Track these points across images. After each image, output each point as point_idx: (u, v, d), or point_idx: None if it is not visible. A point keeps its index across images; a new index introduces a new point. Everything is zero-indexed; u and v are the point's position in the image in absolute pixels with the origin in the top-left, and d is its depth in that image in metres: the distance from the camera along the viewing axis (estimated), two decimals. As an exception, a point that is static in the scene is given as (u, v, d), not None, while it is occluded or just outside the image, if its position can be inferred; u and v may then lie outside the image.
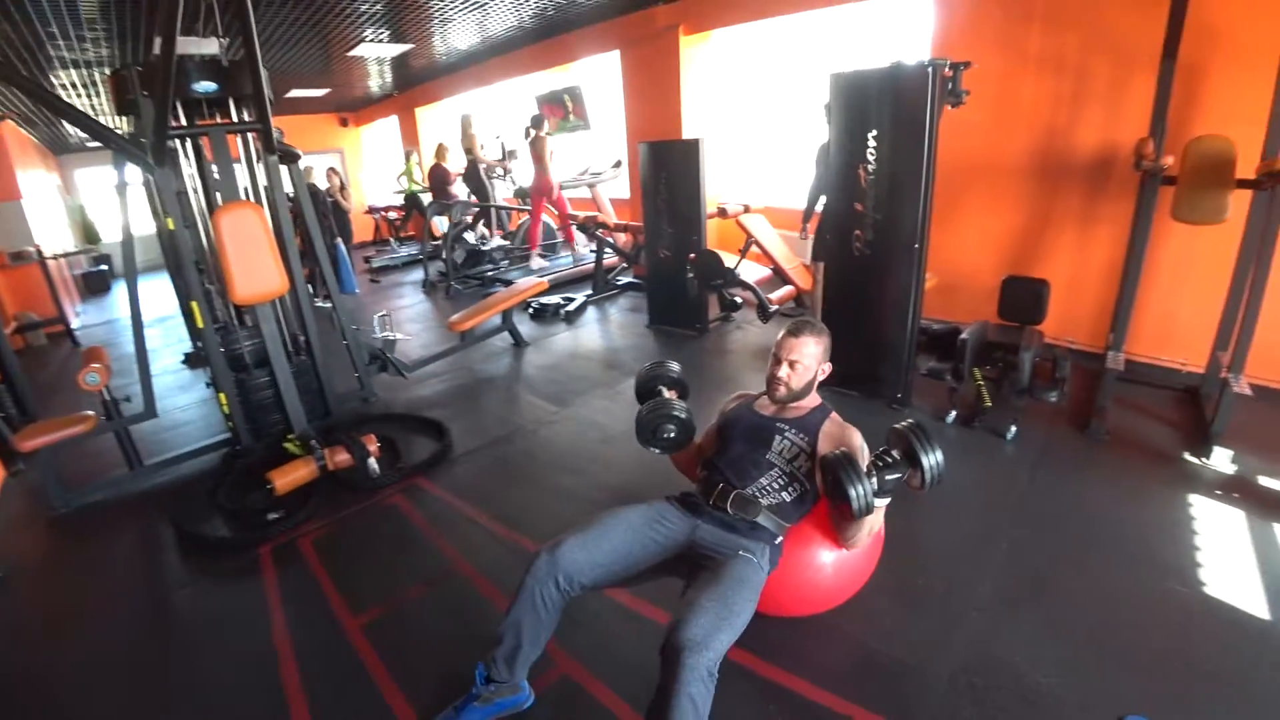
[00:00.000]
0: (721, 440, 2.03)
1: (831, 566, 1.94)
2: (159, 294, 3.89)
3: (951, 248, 4.39)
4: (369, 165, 13.02)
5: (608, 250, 5.92)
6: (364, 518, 2.82)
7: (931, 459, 1.63)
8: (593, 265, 6.16)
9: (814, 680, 1.85)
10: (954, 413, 3.47)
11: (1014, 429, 3.22)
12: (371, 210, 11.14)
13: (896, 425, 1.72)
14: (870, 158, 3.29)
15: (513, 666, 1.71)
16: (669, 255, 4.75)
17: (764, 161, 6.21)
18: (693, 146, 4.40)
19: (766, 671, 1.90)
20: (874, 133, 3.24)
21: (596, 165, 6.58)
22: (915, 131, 3.12)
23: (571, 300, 5.47)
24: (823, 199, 4.00)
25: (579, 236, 6.79)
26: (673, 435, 1.99)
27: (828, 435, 1.93)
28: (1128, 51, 3.51)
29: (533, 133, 6.42)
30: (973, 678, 1.83)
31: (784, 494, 1.86)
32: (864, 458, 1.92)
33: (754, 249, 4.93)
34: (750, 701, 1.80)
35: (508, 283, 6.10)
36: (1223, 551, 2.34)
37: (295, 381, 3.14)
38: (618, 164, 6.27)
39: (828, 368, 2.02)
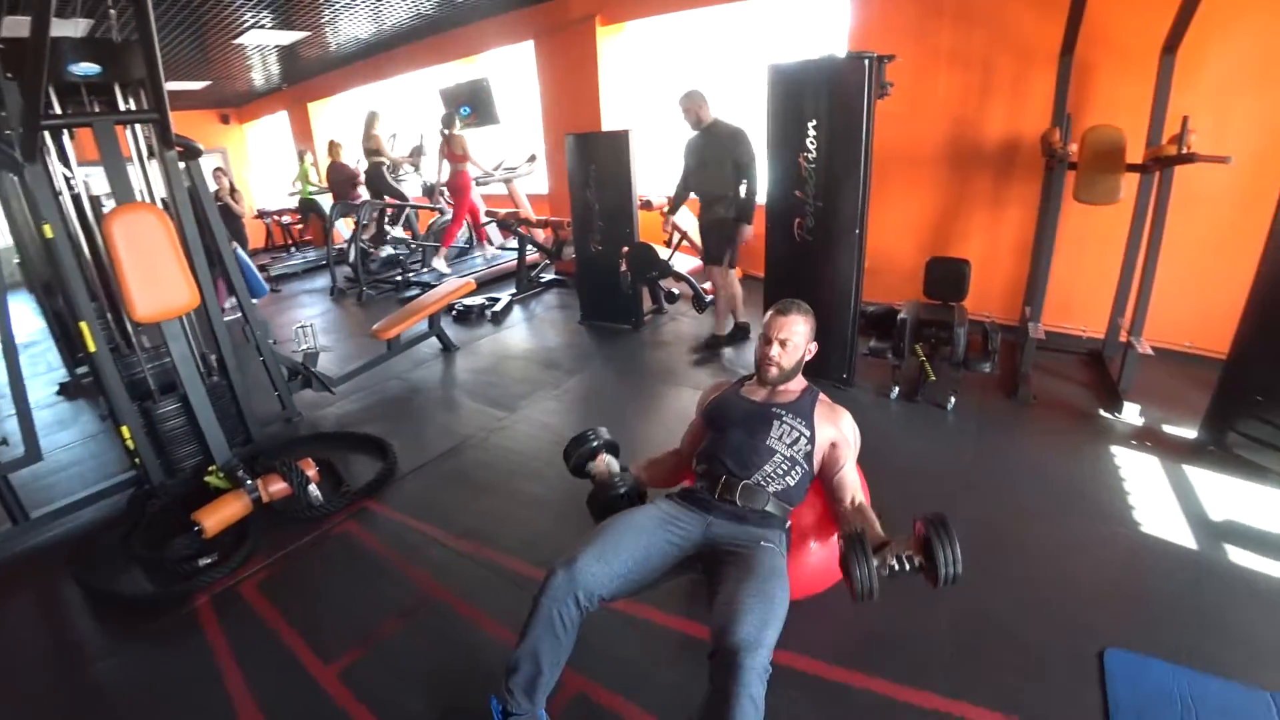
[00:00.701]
0: (715, 430, 2.03)
1: (825, 549, 2.01)
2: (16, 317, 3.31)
3: (874, 232, 4.66)
4: (257, 166, 11.97)
5: (530, 247, 5.79)
6: (314, 551, 2.59)
7: (946, 561, 1.57)
8: (510, 264, 6.01)
9: (828, 659, 1.91)
10: (896, 389, 3.71)
11: (953, 400, 3.50)
12: (262, 215, 10.25)
13: (923, 517, 1.65)
14: (810, 146, 3.44)
15: (533, 696, 1.61)
16: (600, 249, 4.73)
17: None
18: (622, 138, 4.40)
19: (779, 658, 1.94)
20: (813, 122, 3.39)
21: (511, 160, 6.39)
22: (853, 121, 3.29)
23: (496, 300, 5.30)
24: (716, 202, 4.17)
25: (494, 235, 6.58)
26: (625, 501, 2.07)
27: (822, 418, 1.99)
28: (1029, 49, 3.91)
29: (446, 130, 6.15)
30: (967, 636, 1.98)
31: (788, 479, 1.89)
32: (856, 439, 2.02)
33: (685, 241, 5.03)
34: (772, 690, 1.84)
35: (424, 285, 5.82)
36: (1147, 494, 2.68)
37: (212, 406, 2.81)
38: (532, 158, 6.13)
39: (814, 347, 2.08)
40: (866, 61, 3.17)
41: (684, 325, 5.02)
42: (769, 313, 2.04)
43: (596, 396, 3.93)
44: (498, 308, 5.15)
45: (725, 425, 2.00)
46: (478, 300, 5.25)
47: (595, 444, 2.18)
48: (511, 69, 6.93)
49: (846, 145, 3.36)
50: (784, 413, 1.97)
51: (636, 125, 4.64)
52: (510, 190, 6.32)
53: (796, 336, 2.00)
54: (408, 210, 6.80)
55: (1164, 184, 3.21)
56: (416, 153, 6.82)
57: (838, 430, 1.99)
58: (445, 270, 5.97)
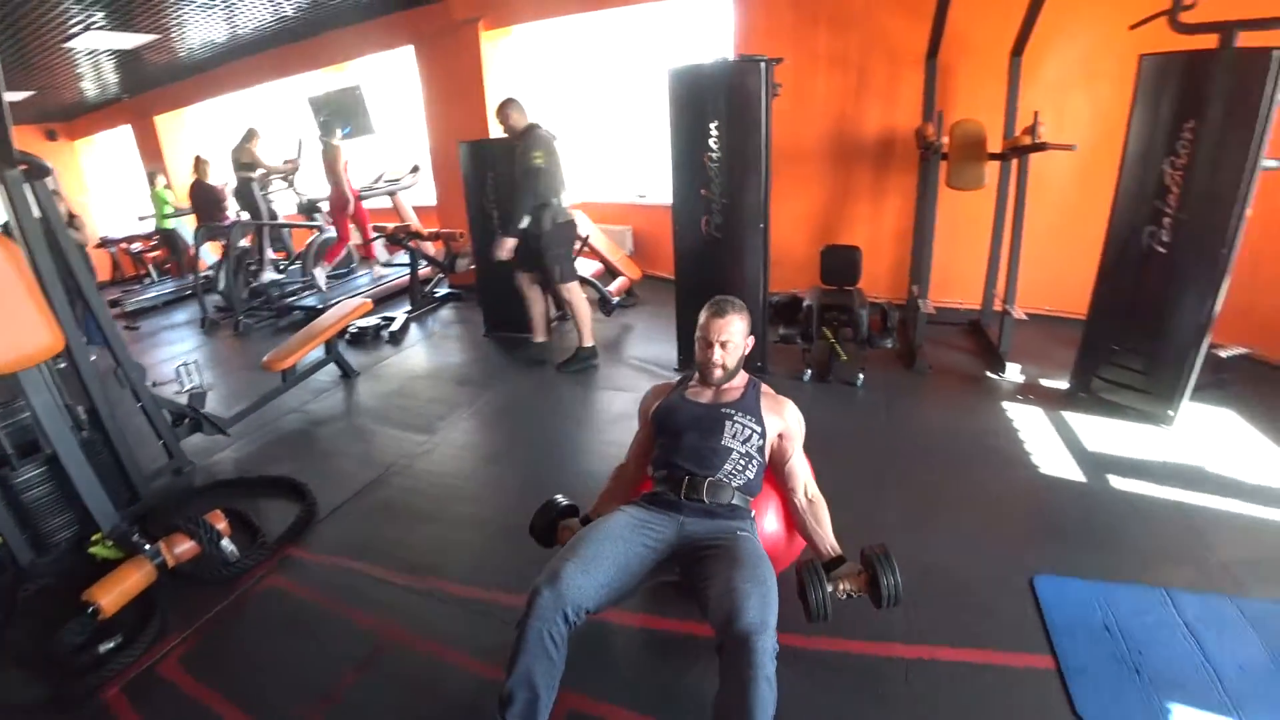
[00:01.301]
0: (668, 436, 2.06)
1: (787, 530, 2.13)
2: None
3: (772, 225, 5.00)
4: (95, 188, 10.39)
5: (422, 261, 5.55)
6: (239, 613, 2.34)
7: (889, 585, 1.80)
8: (401, 280, 5.74)
9: (801, 632, 1.93)
10: (809, 371, 3.99)
11: (861, 376, 3.82)
12: (106, 243, 8.93)
13: (866, 550, 1.87)
14: (714, 146, 3.62)
15: None
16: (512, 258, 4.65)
17: (576, 158, 6.30)
18: (519, 144, 4.36)
19: None
20: (715, 123, 3.57)
21: (392, 171, 6.08)
22: (752, 120, 3.52)
23: (392, 320, 5.04)
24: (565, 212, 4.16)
25: (380, 252, 6.23)
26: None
27: (769, 411, 2.07)
28: (899, 52, 4.39)
29: (324, 141, 5.74)
30: (917, 587, 2.13)
31: (747, 473, 1.96)
32: (801, 427, 2.12)
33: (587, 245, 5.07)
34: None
35: (308, 310, 5.41)
36: (1038, 439, 3.12)
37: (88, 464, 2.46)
38: (415, 169, 5.88)
39: (751, 341, 2.13)
40: (762, 65, 3.40)
41: (594, 328, 5.06)
42: (704, 315, 2.07)
43: (518, 409, 3.88)
44: (394, 327, 4.90)
45: (678, 430, 2.04)
46: (371, 321, 4.96)
47: (557, 511, 2.15)
48: (388, 76, 6.63)
49: (747, 143, 3.57)
50: (734, 412, 2.03)
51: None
52: (395, 203, 6.01)
53: (736, 336, 2.04)
54: (281, 229, 6.25)
55: (1022, 170, 3.74)
56: (292, 164, 6.27)
57: (783, 421, 2.08)
58: (323, 286, 5.57)
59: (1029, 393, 3.62)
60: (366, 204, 6.09)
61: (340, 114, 5.94)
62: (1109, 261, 3.23)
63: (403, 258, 5.95)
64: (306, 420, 3.76)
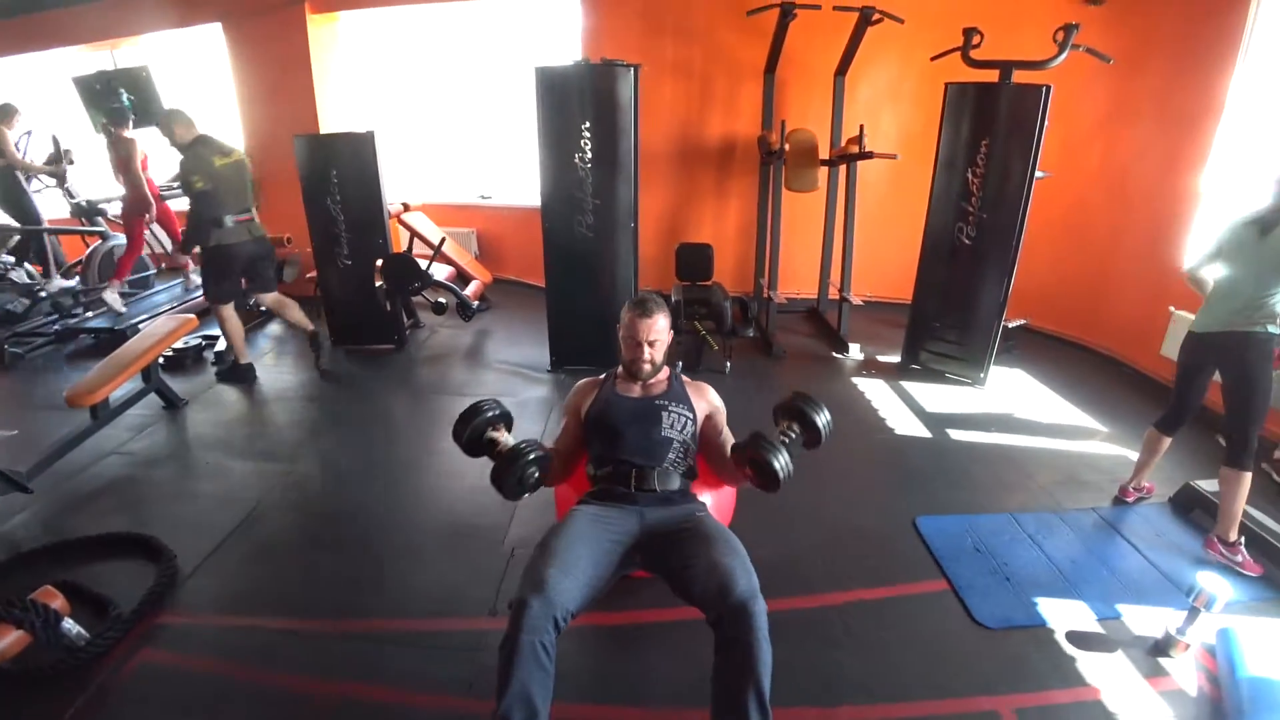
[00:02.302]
0: (605, 431, 2.11)
1: (726, 506, 2.34)
2: None
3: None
4: None
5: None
6: (105, 706, 1.92)
7: (823, 418, 1.93)
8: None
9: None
10: (680, 363, 4.25)
11: (729, 364, 4.20)
12: None
13: (782, 401, 1.99)
14: (585, 147, 3.72)
15: None
16: (350, 264, 4.30)
17: (416, 156, 6.01)
18: (366, 141, 4.08)
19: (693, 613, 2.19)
20: (586, 124, 3.68)
21: None
22: (624, 122, 3.69)
23: (214, 339, 4.36)
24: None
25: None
26: (537, 477, 1.91)
27: (695, 396, 2.23)
28: (739, 66, 4.86)
29: (113, 131, 4.74)
30: (826, 545, 2.54)
31: (688, 459, 2.12)
32: (722, 406, 2.30)
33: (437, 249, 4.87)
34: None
35: (99, 332, 4.45)
36: (886, 406, 3.74)
37: None
38: None
39: (671, 334, 2.24)
40: (632, 70, 3.58)
41: (449, 336, 4.89)
42: (628, 315, 2.13)
43: (386, 424, 3.66)
44: (220, 346, 4.25)
45: (617, 426, 2.09)
46: (191, 341, 4.25)
47: (492, 413, 1.96)
48: (186, 56, 5.64)
49: (619, 145, 3.75)
50: (668, 402, 2.13)
51: (365, 126, 4.30)
52: None
53: (662, 334, 2.14)
54: (46, 236, 4.94)
55: (850, 175, 4.38)
56: (64, 158, 4.91)
57: (708, 403, 2.24)
58: (120, 308, 4.60)
59: (870, 368, 4.30)
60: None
61: (120, 99, 4.91)
62: (927, 253, 3.97)
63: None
64: (132, 463, 3.14)
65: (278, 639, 2.12)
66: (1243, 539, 2.45)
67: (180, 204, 5.42)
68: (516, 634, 1.53)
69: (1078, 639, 2.11)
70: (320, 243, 4.26)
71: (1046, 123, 3.39)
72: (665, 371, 2.25)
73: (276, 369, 4.30)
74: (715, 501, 2.23)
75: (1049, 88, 3.36)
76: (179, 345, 4.11)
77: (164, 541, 2.48)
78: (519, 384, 4.06)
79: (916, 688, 1.93)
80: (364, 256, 4.31)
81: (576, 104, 3.68)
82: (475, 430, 1.94)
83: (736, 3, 4.64)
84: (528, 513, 2.70)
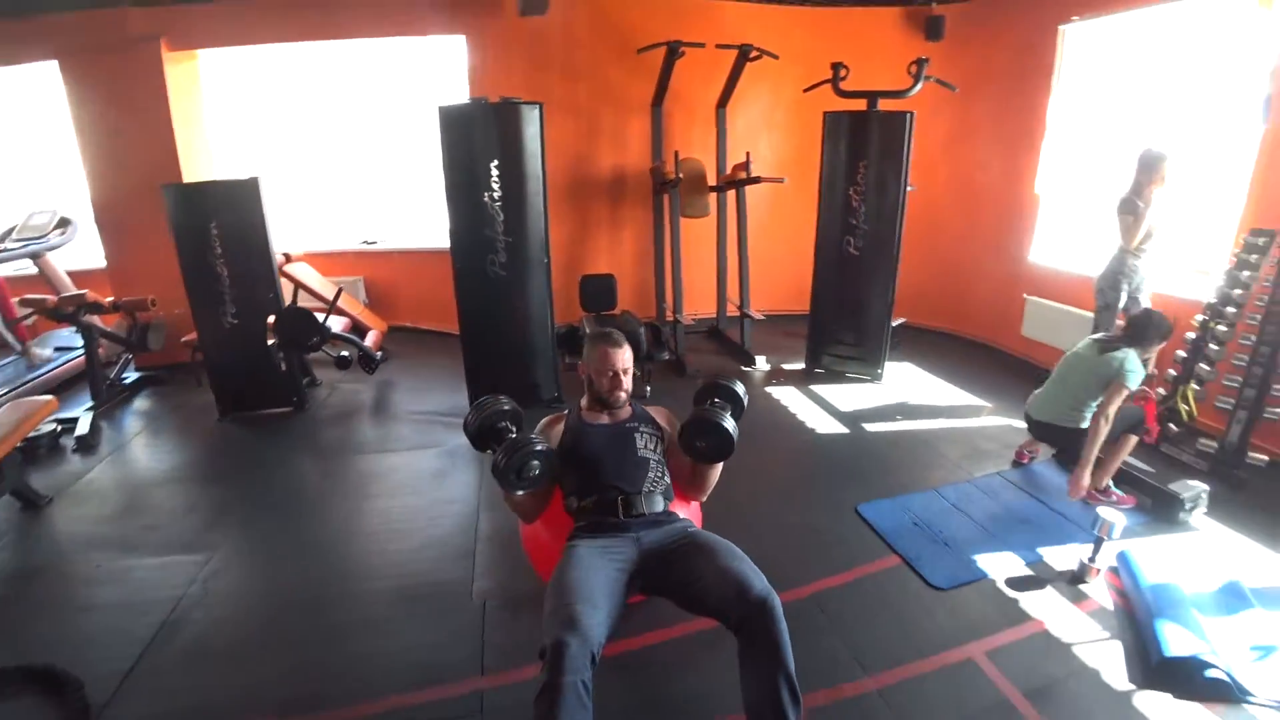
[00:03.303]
0: (582, 463, 2.16)
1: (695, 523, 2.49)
2: None
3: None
4: None
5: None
6: None
7: (740, 387, 2.19)
8: (64, 368, 4.37)
9: None
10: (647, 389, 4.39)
11: (649, 389, 4.38)
12: None
13: (700, 387, 2.20)
14: (495, 186, 3.78)
15: None
16: (237, 323, 3.98)
17: (293, 203, 5.59)
18: (249, 188, 3.83)
19: (687, 623, 2.26)
20: (495, 162, 3.74)
21: (29, 226, 4.44)
22: (532, 159, 3.80)
23: (71, 422, 3.82)
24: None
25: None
26: (538, 471, 1.96)
27: (657, 416, 2.35)
28: (626, 101, 5.16)
29: None
30: (788, 543, 2.76)
31: (665, 477, 2.24)
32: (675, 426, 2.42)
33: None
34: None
35: None
36: (801, 410, 4.11)
37: None
38: (64, 223, 4.46)
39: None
40: (538, 108, 3.72)
41: (351, 392, 4.64)
42: (599, 349, 2.21)
43: (306, 493, 3.41)
44: (81, 430, 3.72)
45: (594, 456, 2.16)
46: (44, 427, 3.67)
47: (507, 407, 2.02)
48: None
49: (527, 182, 3.83)
50: (637, 424, 2.24)
51: (235, 173, 4.04)
52: (43, 268, 4.41)
53: (629, 363, 2.24)
54: None
55: (740, 199, 4.78)
56: None
57: (667, 419, 2.38)
58: None
59: (778, 376, 4.68)
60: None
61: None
62: (820, 266, 4.44)
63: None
64: (-4, 579, 2.70)
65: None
66: (1110, 481, 3.01)
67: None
68: (558, 677, 1.53)
69: (1014, 583, 2.49)
70: (201, 302, 3.90)
71: (912, 144, 3.98)
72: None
73: (155, 449, 3.86)
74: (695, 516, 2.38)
75: (912, 114, 3.97)
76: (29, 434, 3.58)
77: (65, 669, 2.15)
78: (441, 433, 3.95)
79: (900, 654, 2.17)
80: (252, 314, 4.01)
81: (483, 143, 3.73)
82: (488, 419, 1.99)
83: (620, 42, 5.00)
84: (490, 561, 2.69)
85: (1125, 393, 2.82)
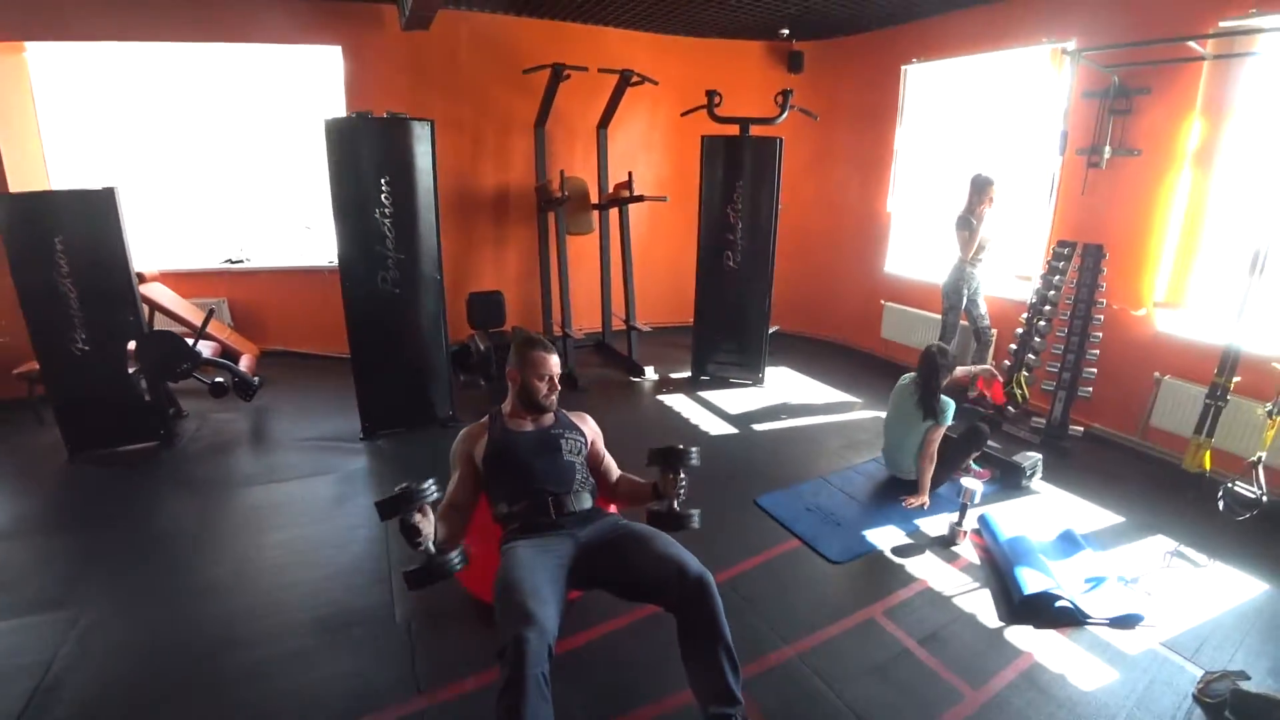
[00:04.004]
0: (510, 469, 2.21)
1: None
2: None
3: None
4: None
5: None
6: None
7: (695, 455, 2.20)
8: None
9: None
10: (501, 404, 4.38)
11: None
12: None
13: (658, 450, 2.19)
14: (385, 201, 3.70)
15: None
16: (88, 350, 3.56)
17: (144, 219, 4.94)
18: (104, 199, 3.44)
19: (639, 613, 2.41)
20: (386, 178, 3.67)
21: None
22: (423, 174, 3.78)
23: None
24: None
25: None
26: (459, 564, 1.90)
27: (579, 423, 2.43)
28: (509, 120, 5.23)
29: None
30: (699, 534, 2.95)
31: (590, 479, 2.34)
32: (600, 431, 2.51)
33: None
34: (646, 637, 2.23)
35: None
36: (693, 415, 4.38)
37: None
38: None
39: None
40: (429, 125, 3.70)
41: (224, 421, 4.27)
42: (533, 355, 2.25)
43: (185, 535, 3.06)
44: None
45: (522, 460, 2.21)
46: None
47: (430, 494, 1.87)
48: None
49: (419, 197, 3.81)
50: (562, 430, 2.32)
51: (72, 180, 3.63)
52: None
53: (558, 369, 2.33)
54: None
55: (623, 217, 5.00)
56: None
57: (590, 428, 2.46)
58: None
59: (666, 385, 4.93)
60: None
61: None
62: (702, 279, 4.76)
63: None
64: None
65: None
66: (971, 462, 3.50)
67: None
68: (521, 672, 1.57)
69: (899, 551, 2.86)
70: (42, 328, 3.44)
71: (782, 166, 4.40)
72: None
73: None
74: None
75: (781, 140, 4.40)
76: None
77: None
78: (333, 459, 3.76)
79: (812, 622, 2.42)
80: (107, 339, 3.60)
81: (372, 158, 3.67)
82: (406, 506, 1.80)
83: (503, 61, 5.09)
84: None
85: (941, 431, 3.19)
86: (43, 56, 4.59)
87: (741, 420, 4.28)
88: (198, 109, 5.12)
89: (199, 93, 5.10)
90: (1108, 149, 3.85)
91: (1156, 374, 3.73)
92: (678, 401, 4.58)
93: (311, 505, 3.32)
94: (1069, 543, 2.81)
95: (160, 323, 4.47)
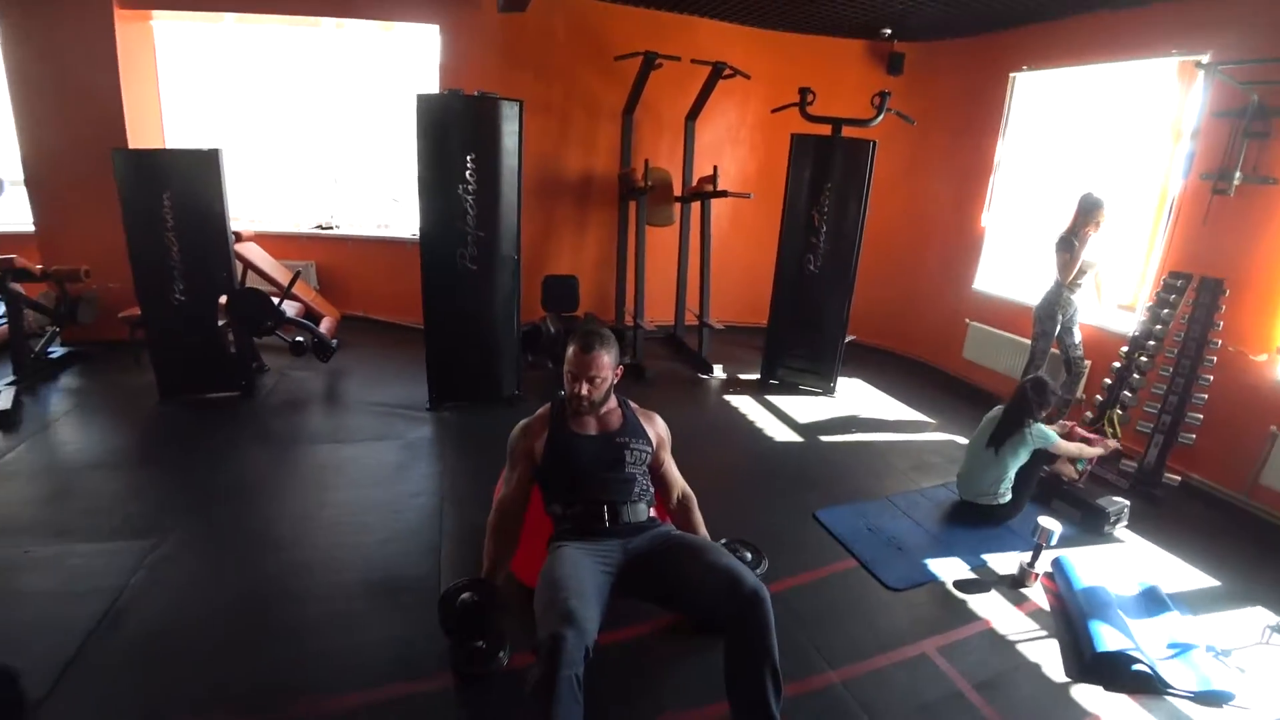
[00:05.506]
0: (566, 472, 2.14)
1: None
2: None
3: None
4: None
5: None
6: None
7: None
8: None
9: None
10: (562, 391, 4.38)
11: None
12: None
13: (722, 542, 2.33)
14: (470, 179, 3.75)
15: None
16: (184, 301, 3.78)
17: (245, 182, 5.31)
18: (209, 160, 3.65)
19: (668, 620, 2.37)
20: (471, 155, 3.71)
21: None
22: (509, 154, 3.81)
23: None
24: None
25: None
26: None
27: (648, 426, 2.29)
28: (597, 106, 5.21)
29: None
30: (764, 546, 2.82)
31: (650, 487, 2.27)
32: (669, 436, 2.41)
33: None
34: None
35: None
36: (756, 418, 4.25)
37: None
38: None
39: (619, 369, 2.23)
40: (518, 105, 3.72)
41: (301, 379, 4.47)
42: (571, 350, 2.13)
43: (257, 482, 3.25)
44: (3, 405, 3.38)
45: (581, 467, 2.13)
46: None
47: (466, 597, 2.06)
48: None
49: (503, 177, 3.84)
50: (627, 439, 2.18)
51: (184, 141, 3.84)
52: None
53: (603, 370, 2.12)
54: None
55: (704, 211, 4.89)
56: None
57: (657, 433, 2.32)
58: None
59: (734, 385, 4.81)
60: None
61: None
62: (780, 281, 4.61)
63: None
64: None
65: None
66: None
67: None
68: (554, 671, 1.55)
69: (961, 585, 2.67)
70: (146, 277, 3.68)
71: (874, 171, 4.20)
72: (614, 400, 2.27)
73: (87, 429, 3.61)
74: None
75: (875, 143, 4.19)
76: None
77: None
78: (399, 425, 3.86)
79: (861, 649, 2.29)
80: (203, 293, 3.82)
81: (460, 135, 3.71)
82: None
83: (596, 47, 5.07)
84: (457, 556, 2.66)
85: (1059, 447, 3.09)
86: (166, 26, 4.89)
87: (808, 429, 4.13)
88: (301, 81, 5.38)
89: (303, 65, 5.35)
90: (1238, 175, 3.46)
91: (1274, 427, 3.35)
92: (744, 403, 4.47)
93: (373, 469, 3.41)
94: (1153, 601, 2.56)
95: (252, 281, 4.70)
